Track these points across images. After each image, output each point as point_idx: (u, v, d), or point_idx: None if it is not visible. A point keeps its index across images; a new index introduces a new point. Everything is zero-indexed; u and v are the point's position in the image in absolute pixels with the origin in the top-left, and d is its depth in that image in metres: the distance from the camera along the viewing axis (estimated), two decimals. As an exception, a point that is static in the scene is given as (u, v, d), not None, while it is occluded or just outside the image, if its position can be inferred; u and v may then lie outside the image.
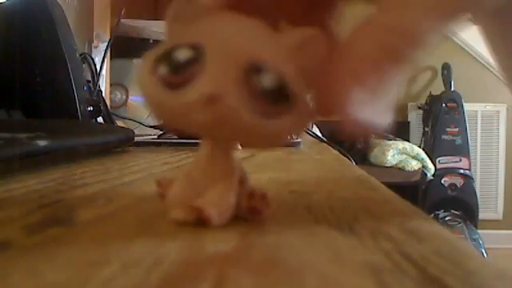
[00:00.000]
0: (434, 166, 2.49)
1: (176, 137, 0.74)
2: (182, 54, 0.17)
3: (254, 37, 0.17)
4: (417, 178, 2.38)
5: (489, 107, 2.84)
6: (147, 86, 0.17)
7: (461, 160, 2.63)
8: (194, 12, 0.19)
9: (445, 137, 2.65)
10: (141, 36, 1.28)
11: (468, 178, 2.63)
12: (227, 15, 0.19)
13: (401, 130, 2.76)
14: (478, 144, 2.79)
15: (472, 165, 2.68)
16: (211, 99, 0.16)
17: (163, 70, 0.17)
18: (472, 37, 2.82)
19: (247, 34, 0.17)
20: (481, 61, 2.82)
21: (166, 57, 0.17)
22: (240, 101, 0.16)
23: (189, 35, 0.18)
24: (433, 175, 2.49)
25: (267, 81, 0.16)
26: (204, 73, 0.16)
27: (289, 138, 0.19)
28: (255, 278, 0.12)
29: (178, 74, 0.17)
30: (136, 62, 1.26)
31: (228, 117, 0.16)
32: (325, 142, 0.85)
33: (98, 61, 0.93)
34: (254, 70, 0.16)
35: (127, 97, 1.23)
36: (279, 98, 0.16)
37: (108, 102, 1.03)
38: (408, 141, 2.55)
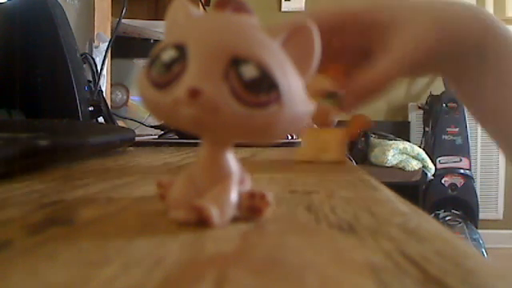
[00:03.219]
0: (435, 165, 2.48)
1: (176, 137, 0.74)
2: (167, 55, 0.18)
3: (235, 32, 0.18)
4: (417, 177, 2.38)
5: (489, 107, 2.84)
6: (142, 89, 0.18)
7: (461, 160, 2.63)
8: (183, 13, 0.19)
9: (445, 137, 2.65)
10: (141, 36, 1.28)
11: (468, 178, 2.62)
12: (212, 14, 0.19)
13: (401, 130, 2.76)
14: (478, 144, 2.78)
15: (472, 165, 2.67)
16: (195, 93, 0.16)
17: (154, 71, 0.18)
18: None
19: (228, 30, 0.18)
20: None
21: (155, 59, 0.18)
22: (223, 93, 0.17)
23: (173, 36, 0.18)
24: (433, 175, 2.49)
25: (248, 71, 0.17)
26: (188, 70, 0.17)
27: (286, 133, 0.19)
28: (255, 278, 0.12)
29: (166, 73, 0.17)
30: (137, 62, 1.26)
31: (213, 109, 0.17)
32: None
33: (98, 61, 0.93)
34: (235, 62, 0.17)
35: (128, 97, 1.23)
36: (263, 87, 0.17)
37: (109, 102, 1.03)
38: (408, 141, 2.55)
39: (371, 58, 0.37)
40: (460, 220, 2.54)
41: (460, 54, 0.38)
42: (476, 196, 2.63)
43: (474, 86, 0.41)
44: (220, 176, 0.19)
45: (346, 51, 0.40)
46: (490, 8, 2.89)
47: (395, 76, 0.36)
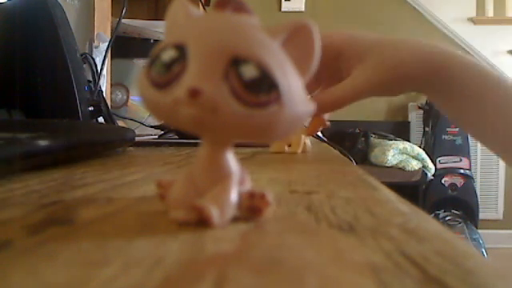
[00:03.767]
0: (435, 165, 2.49)
1: (176, 137, 0.74)
2: (167, 55, 0.18)
3: (235, 32, 0.18)
4: (417, 177, 2.38)
5: (489, 107, 2.83)
6: (142, 89, 0.18)
7: (461, 160, 2.63)
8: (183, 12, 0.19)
9: (445, 137, 2.65)
10: (142, 36, 1.28)
11: (468, 178, 2.62)
12: (212, 14, 0.19)
13: (401, 130, 2.76)
14: (478, 144, 2.78)
15: (472, 165, 2.67)
16: (195, 93, 0.16)
17: (154, 71, 0.18)
18: (472, 37, 2.82)
19: (228, 30, 0.18)
20: (481, 61, 2.81)
21: (155, 59, 0.18)
22: (223, 93, 0.17)
23: (173, 36, 0.18)
24: (433, 175, 2.49)
25: (248, 71, 0.17)
26: (188, 70, 0.17)
27: (286, 133, 0.19)
28: (255, 278, 0.12)
29: (166, 73, 0.17)
30: (137, 62, 1.26)
31: (213, 109, 0.17)
32: (325, 142, 0.85)
33: (98, 61, 0.93)
34: (235, 62, 0.17)
35: (128, 97, 1.23)
36: (263, 87, 0.17)
37: (109, 102, 1.03)
38: (408, 141, 2.55)
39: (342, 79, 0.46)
40: (460, 220, 2.54)
41: (425, 80, 0.45)
42: (476, 196, 2.63)
43: (444, 101, 0.49)
44: (220, 176, 0.19)
45: (323, 72, 0.47)
46: (489, 8, 2.89)
47: (350, 98, 0.44)
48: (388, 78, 0.44)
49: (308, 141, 0.63)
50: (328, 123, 0.49)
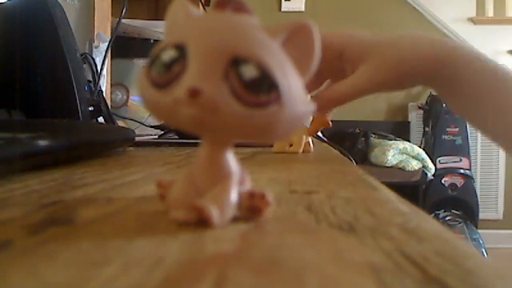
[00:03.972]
0: (435, 165, 2.49)
1: (176, 137, 0.74)
2: (167, 55, 0.18)
3: (235, 32, 0.18)
4: (417, 177, 2.38)
5: (489, 107, 2.83)
6: (142, 89, 0.18)
7: (461, 160, 2.63)
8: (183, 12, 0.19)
9: (445, 137, 2.65)
10: (142, 36, 1.28)
11: (468, 178, 2.62)
12: (212, 14, 0.19)
13: (401, 130, 2.76)
14: (478, 144, 2.78)
15: (472, 165, 2.67)
16: (195, 93, 0.16)
17: (154, 71, 0.18)
18: (472, 37, 2.82)
19: (228, 30, 0.18)
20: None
21: (155, 59, 0.18)
22: (223, 93, 0.17)
23: (173, 36, 0.18)
24: (433, 175, 2.49)
25: (248, 71, 0.17)
26: (188, 70, 0.17)
27: (286, 133, 0.19)
28: (255, 278, 0.12)
29: (166, 73, 0.17)
30: (137, 62, 1.26)
31: (213, 109, 0.17)
32: (325, 141, 0.85)
33: (98, 61, 0.93)
34: (235, 62, 0.17)
35: (128, 97, 1.23)
36: (263, 87, 0.17)
37: (109, 102, 1.03)
38: (408, 141, 2.55)
39: (342, 78, 0.47)
40: (460, 220, 2.54)
41: (426, 77, 0.46)
42: (476, 196, 2.63)
43: (449, 96, 0.49)
44: (220, 176, 0.19)
45: (324, 71, 0.48)
46: (489, 8, 2.89)
47: (351, 96, 0.45)
48: (390, 77, 0.45)
49: (311, 141, 0.63)
50: (330, 123, 0.49)
